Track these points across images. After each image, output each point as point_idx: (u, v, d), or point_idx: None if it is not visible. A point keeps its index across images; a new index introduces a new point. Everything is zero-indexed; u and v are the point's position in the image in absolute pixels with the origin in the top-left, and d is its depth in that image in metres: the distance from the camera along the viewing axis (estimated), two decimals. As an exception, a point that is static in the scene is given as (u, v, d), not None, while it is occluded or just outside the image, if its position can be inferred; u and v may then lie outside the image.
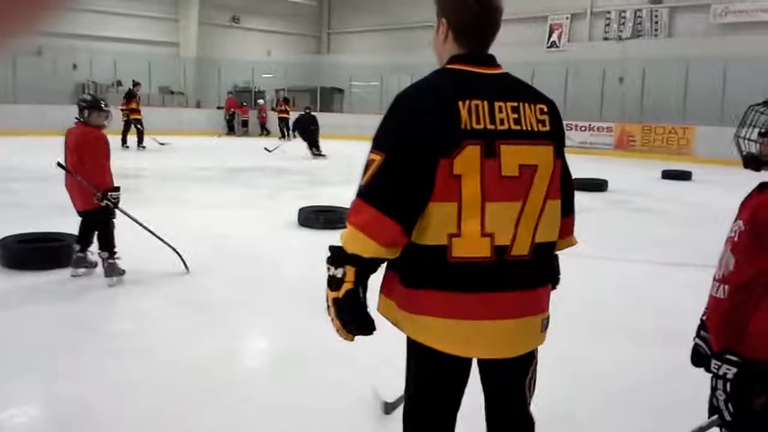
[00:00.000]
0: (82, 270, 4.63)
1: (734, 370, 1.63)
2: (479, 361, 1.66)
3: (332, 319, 1.61)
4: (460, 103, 1.52)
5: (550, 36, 22.23)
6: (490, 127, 1.53)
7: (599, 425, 2.72)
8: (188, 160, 13.63)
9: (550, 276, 1.71)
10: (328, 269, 1.60)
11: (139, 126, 16.05)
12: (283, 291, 4.71)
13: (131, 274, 4.71)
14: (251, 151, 16.13)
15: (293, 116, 20.83)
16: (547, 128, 1.61)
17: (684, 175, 12.01)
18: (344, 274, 1.57)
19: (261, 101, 23.54)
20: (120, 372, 3.18)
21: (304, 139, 15.78)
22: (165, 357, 3.38)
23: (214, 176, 11.24)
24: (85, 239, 4.59)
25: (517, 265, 1.58)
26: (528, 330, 1.63)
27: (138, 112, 16.23)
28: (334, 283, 1.59)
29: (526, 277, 1.60)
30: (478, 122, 1.52)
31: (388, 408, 2.72)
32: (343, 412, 2.80)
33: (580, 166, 12.67)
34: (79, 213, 4.54)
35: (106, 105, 4.70)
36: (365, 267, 1.57)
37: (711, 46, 16.98)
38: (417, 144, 1.52)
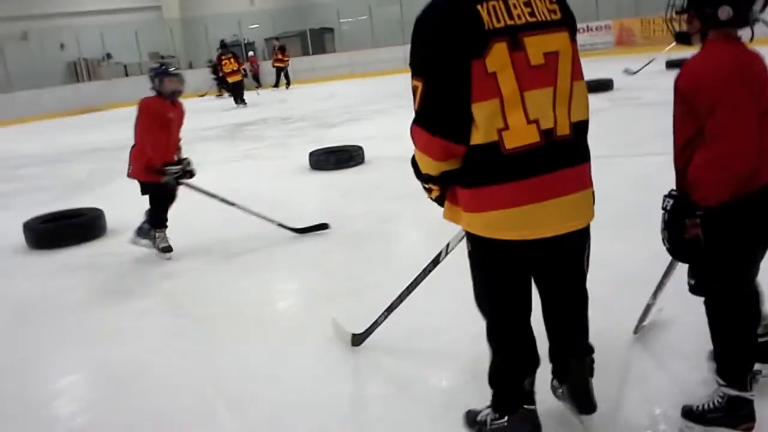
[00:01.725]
0: (143, 241, 4.46)
1: (671, 201, 1.91)
2: (541, 245, 1.72)
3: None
4: (479, 7, 1.60)
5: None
6: (510, 23, 1.61)
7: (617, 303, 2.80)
8: (190, 121, 13.59)
9: (589, 153, 1.81)
10: (417, 177, 1.87)
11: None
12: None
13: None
14: (252, 104, 16.04)
15: (291, 64, 20.69)
16: (559, 16, 1.69)
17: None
18: (429, 189, 1.87)
19: (251, 53, 23.20)
20: (164, 327, 3.31)
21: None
22: (200, 308, 3.50)
23: (220, 134, 11.25)
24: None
25: (563, 145, 1.69)
26: (586, 202, 1.77)
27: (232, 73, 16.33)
28: (424, 188, 1.90)
29: (573, 154, 1.73)
30: (498, 21, 1.60)
31: (356, 340, 2.79)
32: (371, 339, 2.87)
33: (584, 69, 12.52)
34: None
35: (175, 68, 4.46)
36: (442, 178, 1.78)
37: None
38: (448, 56, 1.61)
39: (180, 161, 4.37)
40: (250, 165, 7.97)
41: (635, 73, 11.30)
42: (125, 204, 5.98)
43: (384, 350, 2.78)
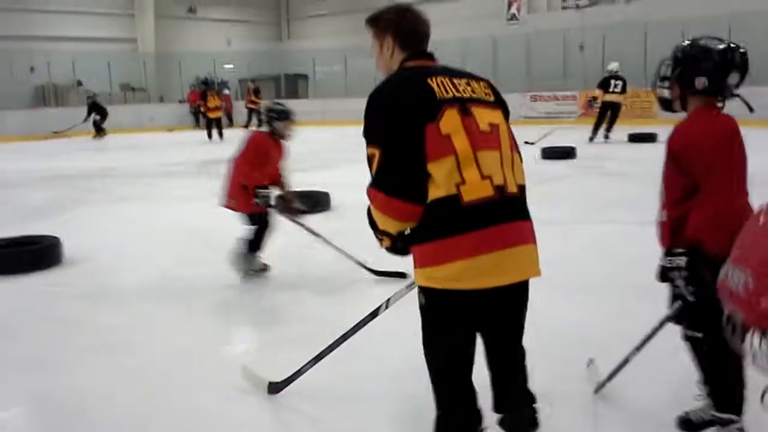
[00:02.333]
0: (245, 265, 4.58)
1: (684, 258, 2.08)
2: (497, 294, 1.79)
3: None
4: (429, 80, 1.81)
5: (509, 8, 22.34)
6: (457, 95, 1.81)
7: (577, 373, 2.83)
8: (156, 156, 13.52)
9: (528, 213, 1.91)
10: (372, 229, 1.99)
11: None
12: (275, 271, 4.77)
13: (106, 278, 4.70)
14: (222, 142, 16.02)
15: (262, 106, 20.81)
16: (493, 98, 1.91)
17: (649, 137, 12.23)
18: (382, 239, 1.98)
19: (226, 91, 23.29)
20: (113, 365, 3.22)
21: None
22: (160, 347, 3.42)
23: (185, 171, 11.17)
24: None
25: (514, 200, 1.83)
26: (533, 255, 1.87)
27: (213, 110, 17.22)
28: (377, 238, 2.00)
29: (521, 210, 1.86)
30: (447, 92, 1.80)
31: (273, 388, 2.76)
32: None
33: (548, 137, 12.79)
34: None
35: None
36: (397, 235, 1.90)
37: (668, 10, 17.23)
38: (404, 122, 1.76)
39: (281, 190, 4.72)
40: (215, 203, 7.89)
41: (533, 143, 11.27)
42: (83, 233, 5.90)
43: (307, 398, 2.75)
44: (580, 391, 2.69)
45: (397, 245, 1.93)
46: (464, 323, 1.85)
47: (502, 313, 1.88)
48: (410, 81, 1.84)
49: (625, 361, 2.56)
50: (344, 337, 2.62)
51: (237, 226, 6.32)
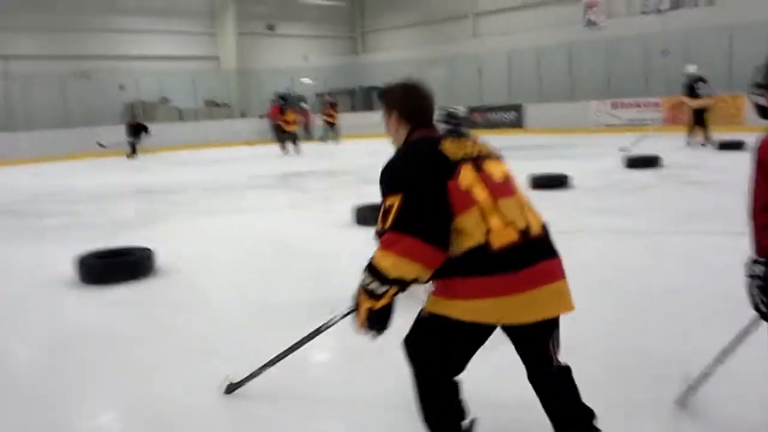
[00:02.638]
0: None
1: (763, 267, 2.05)
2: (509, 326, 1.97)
3: (360, 320, 2.06)
4: (440, 147, 1.98)
5: (586, 14, 21.89)
6: (468, 154, 1.98)
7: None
8: (239, 169, 13.96)
9: (556, 250, 2.01)
10: (369, 283, 1.96)
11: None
12: (348, 286, 4.84)
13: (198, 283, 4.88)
14: (301, 155, 16.39)
15: (339, 119, 21.27)
16: (498, 154, 2.10)
17: (737, 145, 11.71)
18: (385, 292, 1.95)
19: (304, 105, 23.85)
20: (200, 372, 3.35)
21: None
22: (242, 356, 3.54)
23: (267, 183, 11.49)
24: None
25: (539, 242, 1.94)
26: (566, 290, 1.97)
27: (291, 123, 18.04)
28: (373, 296, 1.97)
29: (548, 249, 1.97)
30: (458, 153, 1.97)
31: (230, 388, 2.97)
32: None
33: (632, 144, 12.43)
34: None
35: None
36: (406, 285, 1.93)
37: (753, 13, 16.48)
38: (425, 179, 1.91)
39: None
40: (296, 215, 8.11)
41: (626, 150, 11.16)
42: (173, 244, 6.16)
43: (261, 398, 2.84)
44: (664, 403, 2.61)
45: (390, 308, 2.01)
46: (470, 347, 2.00)
47: (524, 343, 2.02)
48: (423, 150, 2.01)
49: (707, 374, 2.50)
50: (293, 347, 2.81)
51: (319, 236, 6.47)
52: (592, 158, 12.32)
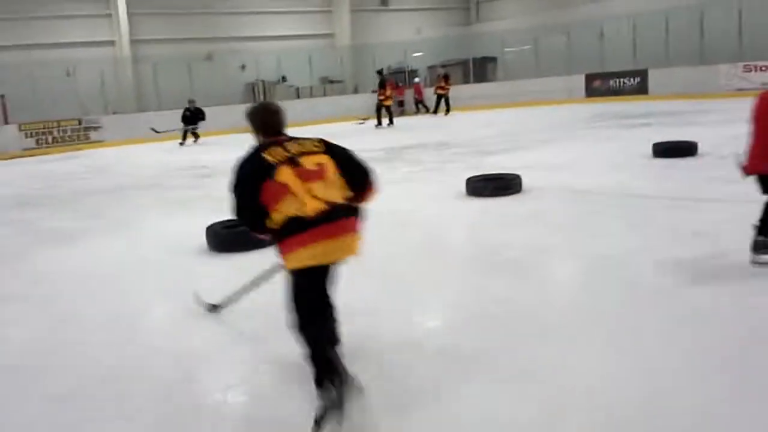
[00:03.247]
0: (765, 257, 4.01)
1: None
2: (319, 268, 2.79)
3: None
4: (263, 154, 2.80)
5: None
6: (286, 155, 2.78)
7: None
8: (352, 143, 14.24)
9: (354, 212, 2.86)
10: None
11: (388, 111, 18.86)
12: (461, 256, 4.90)
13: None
14: (410, 129, 16.48)
15: (451, 92, 21.18)
16: (322, 149, 2.89)
17: None
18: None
19: (417, 79, 23.90)
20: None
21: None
22: (362, 323, 3.69)
23: (379, 156, 11.68)
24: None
25: (340, 207, 2.76)
26: (354, 240, 2.84)
27: (389, 98, 19.02)
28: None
29: (341, 214, 2.76)
30: (276, 158, 2.77)
31: (211, 308, 3.93)
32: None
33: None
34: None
35: None
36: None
37: None
38: (246, 182, 2.79)
39: None
40: (409, 188, 8.22)
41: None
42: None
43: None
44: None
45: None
46: (314, 286, 2.83)
47: (327, 280, 2.88)
48: (252, 156, 2.84)
49: None
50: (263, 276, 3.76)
51: (433, 207, 6.54)
52: (722, 124, 11.55)
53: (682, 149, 8.18)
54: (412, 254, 5.00)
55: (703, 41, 19.07)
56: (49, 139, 19.14)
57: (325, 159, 2.86)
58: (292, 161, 2.80)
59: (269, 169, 2.76)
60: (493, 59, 25.59)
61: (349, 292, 4.21)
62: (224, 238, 5.35)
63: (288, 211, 2.72)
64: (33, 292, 4.81)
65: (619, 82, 20.47)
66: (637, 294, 3.75)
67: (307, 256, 2.72)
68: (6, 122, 19.14)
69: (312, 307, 2.85)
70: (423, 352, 3.20)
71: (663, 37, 19.84)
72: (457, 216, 6.32)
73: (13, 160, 17.25)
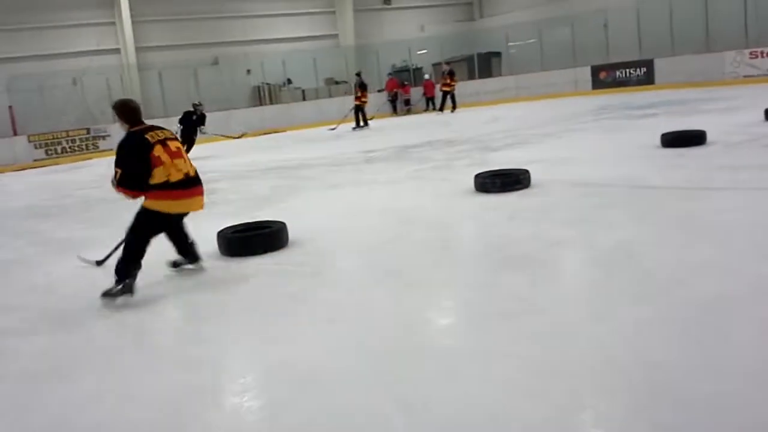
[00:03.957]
0: None
1: None
2: (175, 215, 4.58)
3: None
4: (146, 136, 4.36)
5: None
6: (159, 137, 4.40)
7: None
8: (358, 144, 14.28)
9: (201, 182, 4.61)
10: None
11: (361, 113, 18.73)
12: (472, 252, 4.90)
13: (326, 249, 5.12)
14: (417, 127, 16.46)
15: (457, 89, 21.13)
16: (174, 136, 4.58)
17: None
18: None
19: (427, 76, 23.83)
20: (334, 336, 3.54)
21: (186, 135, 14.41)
22: (371, 321, 3.70)
23: (387, 156, 11.69)
24: None
25: (194, 179, 4.54)
26: (201, 199, 4.62)
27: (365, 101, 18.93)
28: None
29: (195, 182, 4.55)
30: (154, 138, 4.36)
31: (100, 263, 5.08)
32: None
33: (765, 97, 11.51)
34: None
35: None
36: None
37: None
38: (132, 155, 4.32)
39: None
40: (417, 185, 8.23)
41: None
42: (303, 218, 6.48)
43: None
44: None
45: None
46: (161, 226, 4.55)
47: (179, 222, 4.75)
48: (136, 136, 4.36)
49: None
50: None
51: (441, 204, 6.55)
52: (729, 112, 11.48)
53: (691, 138, 8.14)
54: (422, 252, 5.00)
55: (708, 29, 18.94)
56: (59, 149, 19.29)
57: (179, 145, 4.52)
58: (163, 142, 4.36)
59: (150, 145, 4.28)
60: (498, 54, 25.54)
61: (364, 291, 4.29)
62: (236, 242, 5.38)
63: (161, 176, 4.29)
64: (42, 302, 4.84)
65: (625, 72, 20.39)
66: (650, 286, 3.74)
67: (167, 206, 4.38)
68: (15, 133, 19.30)
69: (150, 236, 4.43)
70: (434, 351, 3.21)
71: (668, 26, 19.72)
72: (465, 213, 6.32)
73: (23, 171, 17.40)
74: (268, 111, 22.63)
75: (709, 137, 8.18)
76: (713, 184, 6.05)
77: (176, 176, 4.33)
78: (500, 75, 24.67)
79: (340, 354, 3.27)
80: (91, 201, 10.16)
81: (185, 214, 4.61)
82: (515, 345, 3.15)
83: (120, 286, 4.29)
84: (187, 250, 4.91)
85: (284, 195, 8.57)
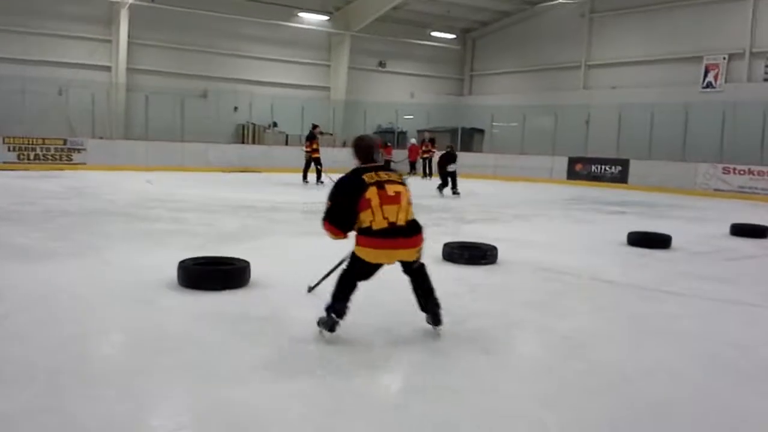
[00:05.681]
0: None
1: None
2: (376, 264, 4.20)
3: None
4: (363, 176, 4.10)
5: (705, 77, 21.26)
6: (377, 179, 4.08)
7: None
8: (319, 197, 14.28)
9: (419, 230, 4.19)
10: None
11: (318, 165, 17.29)
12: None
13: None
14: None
15: (436, 156, 21.42)
16: (400, 180, 4.22)
17: None
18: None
19: (413, 140, 24.19)
20: (281, 383, 3.47)
21: (442, 176, 16.04)
22: (313, 376, 3.64)
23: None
24: None
25: (398, 228, 4.06)
26: (409, 253, 4.17)
27: (317, 151, 17.44)
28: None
29: (401, 232, 4.08)
30: (371, 180, 4.07)
31: (310, 289, 5.10)
32: None
33: (739, 212, 11.93)
34: None
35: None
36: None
37: None
38: (345, 194, 4.12)
39: None
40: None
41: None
42: (269, 260, 6.42)
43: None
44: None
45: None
46: (369, 273, 4.22)
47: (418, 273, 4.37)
48: (354, 177, 4.13)
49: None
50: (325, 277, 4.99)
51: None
52: (697, 222, 11.83)
53: (657, 241, 8.35)
54: (381, 314, 4.96)
55: (686, 139, 19.70)
56: (31, 155, 18.97)
57: (402, 189, 4.15)
58: (380, 184, 4.06)
59: (364, 186, 4.03)
60: (481, 131, 26.18)
61: (315, 343, 4.21)
62: (195, 275, 5.29)
63: (365, 220, 4.02)
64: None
65: (601, 168, 20.99)
66: (599, 379, 3.76)
67: (372, 255, 4.09)
68: (-10, 133, 18.99)
69: (355, 279, 4.19)
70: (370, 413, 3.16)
71: (647, 131, 20.47)
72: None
73: (-10, 171, 17.05)
74: (250, 150, 22.69)
75: (674, 243, 8.39)
76: (672, 288, 6.17)
77: (380, 224, 3.97)
78: (481, 151, 25.19)
79: (285, 405, 3.20)
80: (54, 212, 9.96)
81: (381, 265, 4.16)
82: (462, 421, 3.12)
83: (325, 319, 4.18)
84: (425, 307, 4.40)
85: (254, 234, 8.51)
